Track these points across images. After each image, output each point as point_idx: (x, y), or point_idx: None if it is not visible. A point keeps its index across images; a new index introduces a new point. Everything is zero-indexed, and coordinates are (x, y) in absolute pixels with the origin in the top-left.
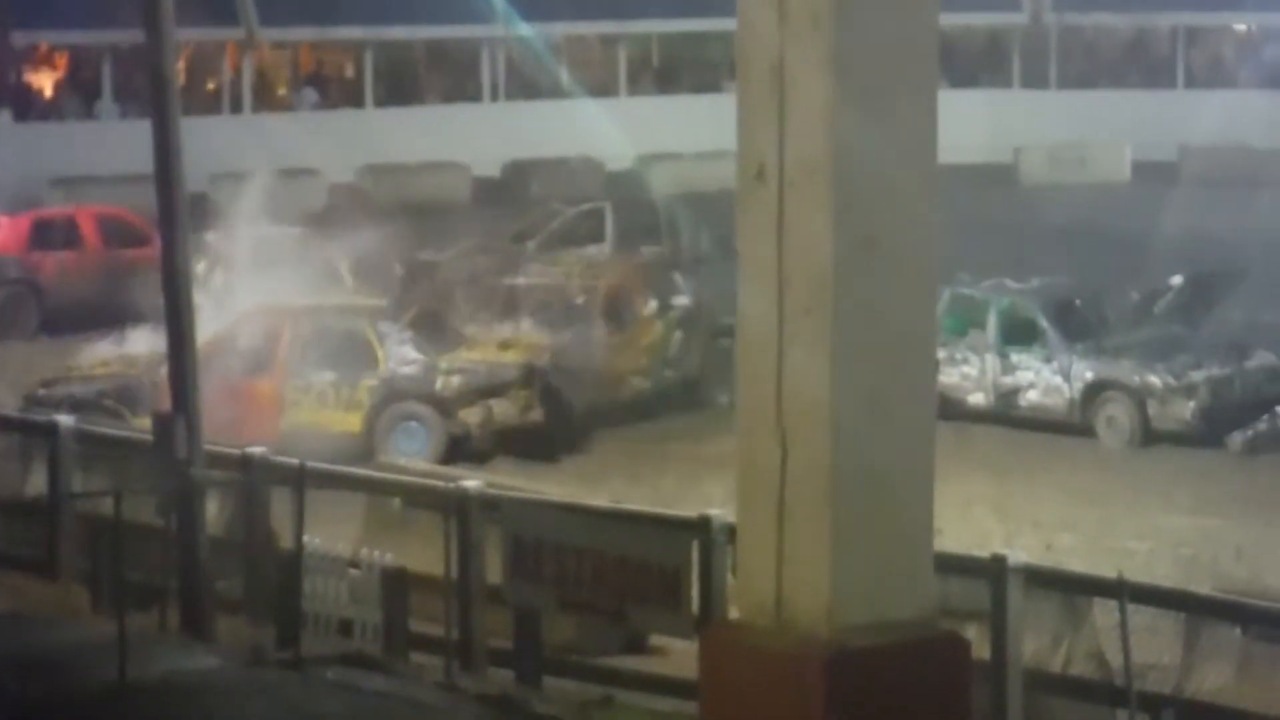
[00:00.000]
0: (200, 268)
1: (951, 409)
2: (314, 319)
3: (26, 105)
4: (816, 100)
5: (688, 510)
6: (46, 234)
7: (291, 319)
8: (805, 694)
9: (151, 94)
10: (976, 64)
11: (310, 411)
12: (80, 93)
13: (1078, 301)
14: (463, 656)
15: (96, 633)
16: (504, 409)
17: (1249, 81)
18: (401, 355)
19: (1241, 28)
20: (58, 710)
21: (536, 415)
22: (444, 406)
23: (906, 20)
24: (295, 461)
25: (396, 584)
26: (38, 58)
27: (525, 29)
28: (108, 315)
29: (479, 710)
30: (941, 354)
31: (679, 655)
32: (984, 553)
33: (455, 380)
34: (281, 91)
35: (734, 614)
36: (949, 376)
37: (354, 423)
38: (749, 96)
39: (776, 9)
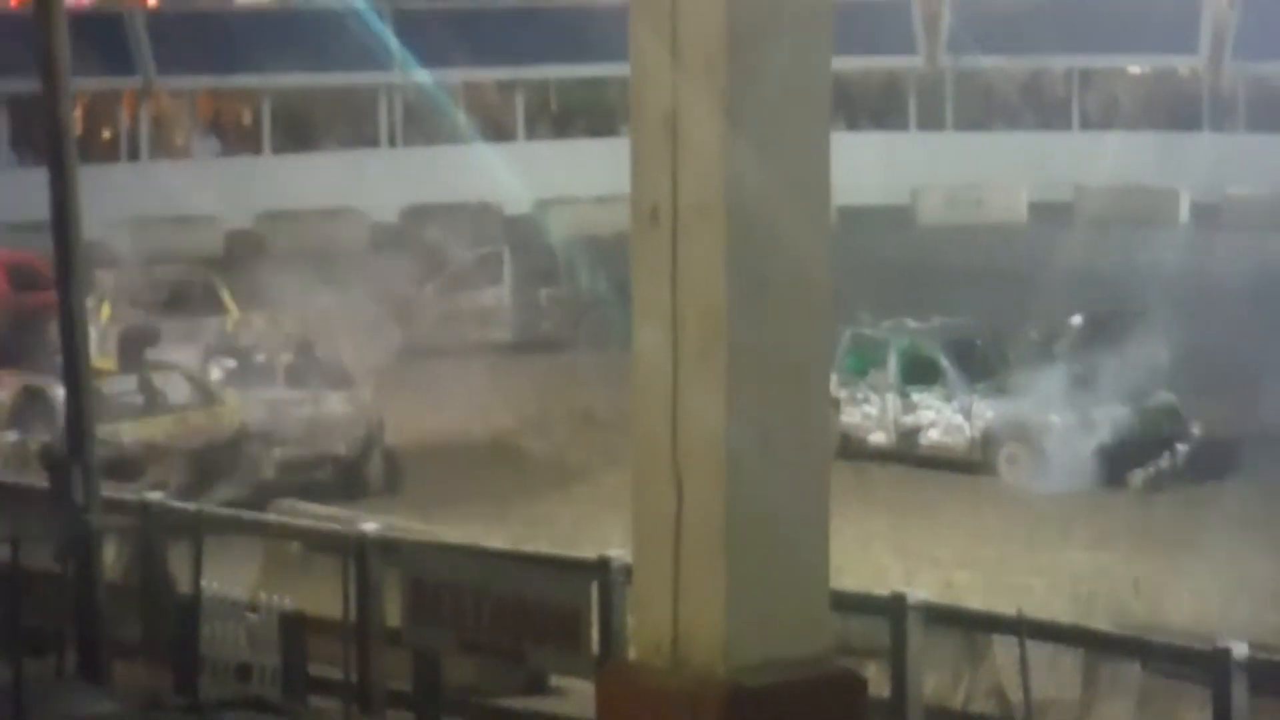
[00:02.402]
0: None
1: (853, 448)
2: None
3: None
4: (709, 143)
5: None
6: None
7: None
8: None
9: (49, 142)
10: (873, 106)
11: None
12: None
13: (978, 341)
14: (362, 700)
15: None
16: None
17: (1143, 122)
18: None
19: (1135, 69)
20: None
21: None
22: None
23: (800, 63)
24: (192, 507)
25: (295, 628)
26: None
27: (422, 75)
28: (12, 358)
29: None
30: (842, 393)
31: (579, 695)
32: (883, 590)
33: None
34: (179, 139)
35: (632, 654)
36: (850, 416)
37: None
38: (642, 139)
39: (670, 52)
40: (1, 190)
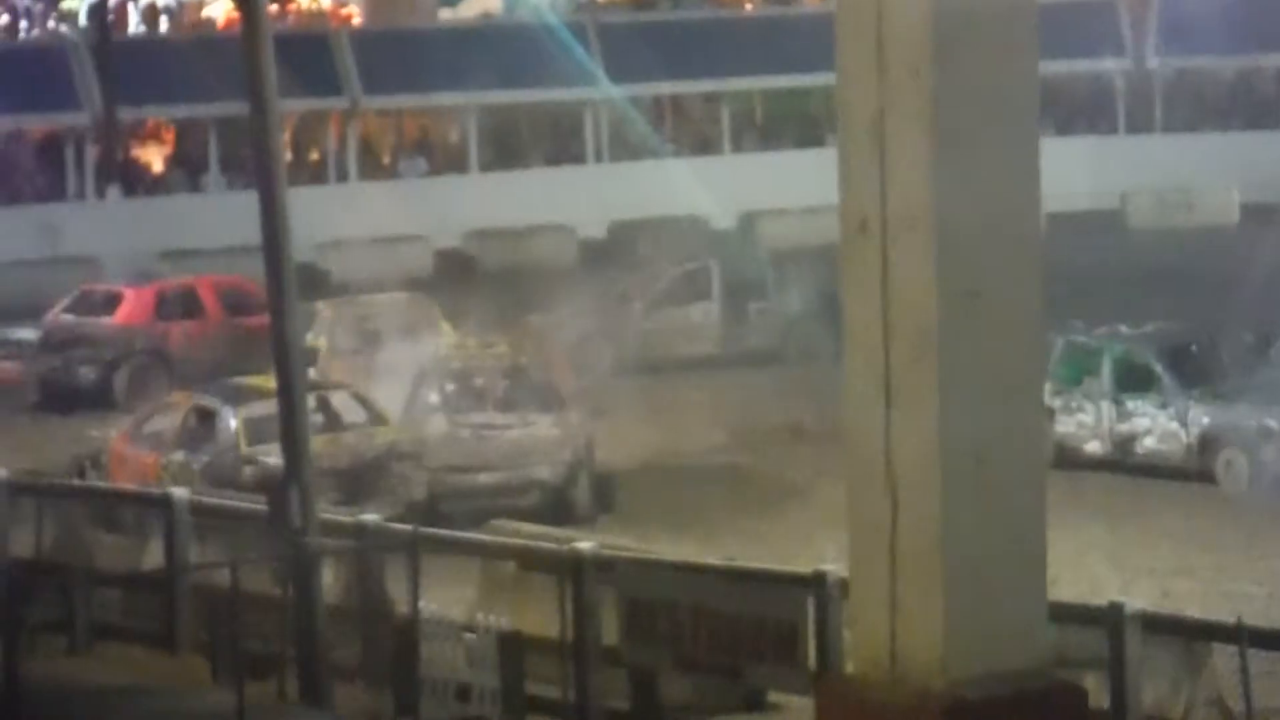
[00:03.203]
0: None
1: (1067, 457)
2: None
3: (135, 180)
4: (917, 152)
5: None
6: (170, 305)
7: None
8: None
9: (257, 166)
10: (1080, 110)
11: None
12: (187, 166)
13: (1193, 346)
14: (580, 718)
15: (217, 703)
16: None
17: None
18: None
19: None
20: None
21: None
22: None
23: (1007, 69)
24: (409, 528)
25: (512, 647)
26: (145, 133)
27: (627, 90)
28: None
29: None
30: (1056, 402)
31: (797, 712)
32: (1100, 600)
33: None
34: (386, 159)
35: (850, 668)
36: (1064, 425)
37: None
38: (850, 150)
39: (875, 62)
40: (212, 214)
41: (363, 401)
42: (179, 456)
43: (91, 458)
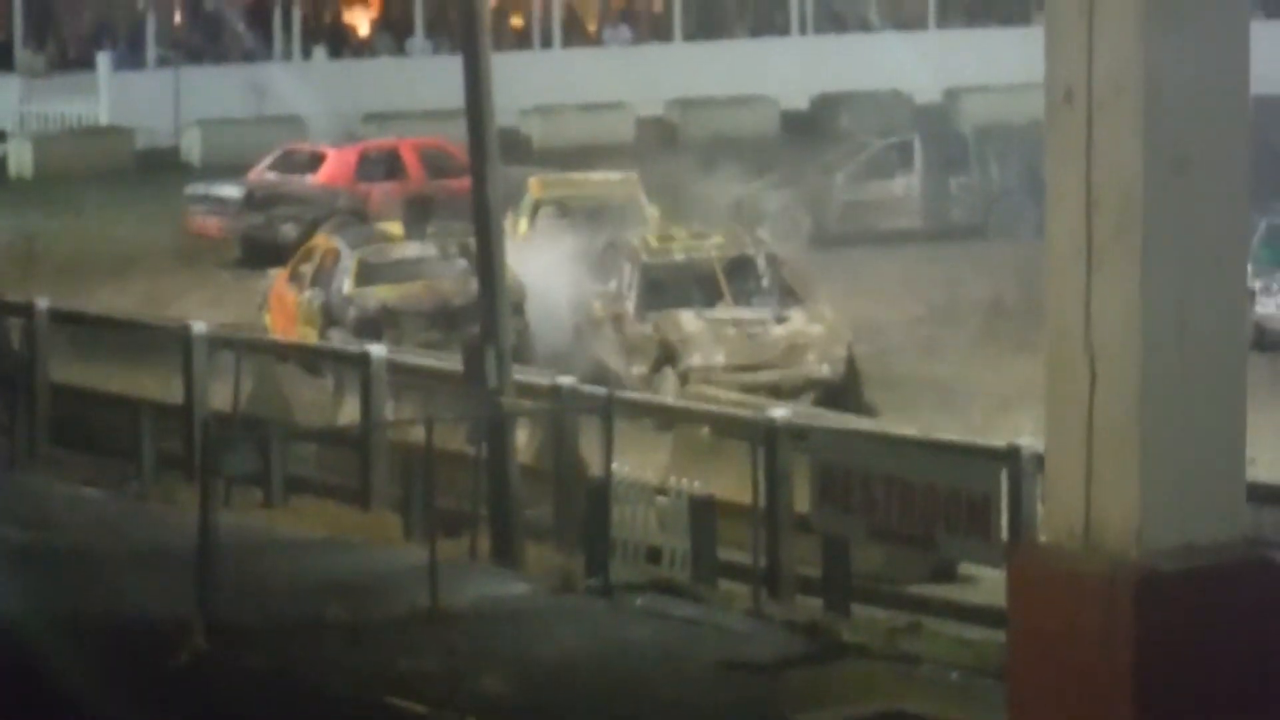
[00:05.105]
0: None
1: (1268, 339)
2: None
3: (341, 42)
4: (1126, 20)
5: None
6: (372, 166)
7: None
8: (1115, 617)
9: (462, 30)
10: None
11: None
12: (393, 30)
13: None
14: (771, 585)
15: (409, 559)
16: None
17: None
18: None
19: None
20: (373, 633)
21: None
22: None
23: None
24: (603, 391)
25: (704, 512)
26: None
27: None
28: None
29: (788, 637)
30: (1257, 284)
31: (988, 584)
32: None
33: None
34: (590, 26)
35: (1043, 538)
36: (1265, 307)
37: None
38: (1057, 18)
39: None
40: (416, 77)
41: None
42: (308, 295)
43: (263, 298)
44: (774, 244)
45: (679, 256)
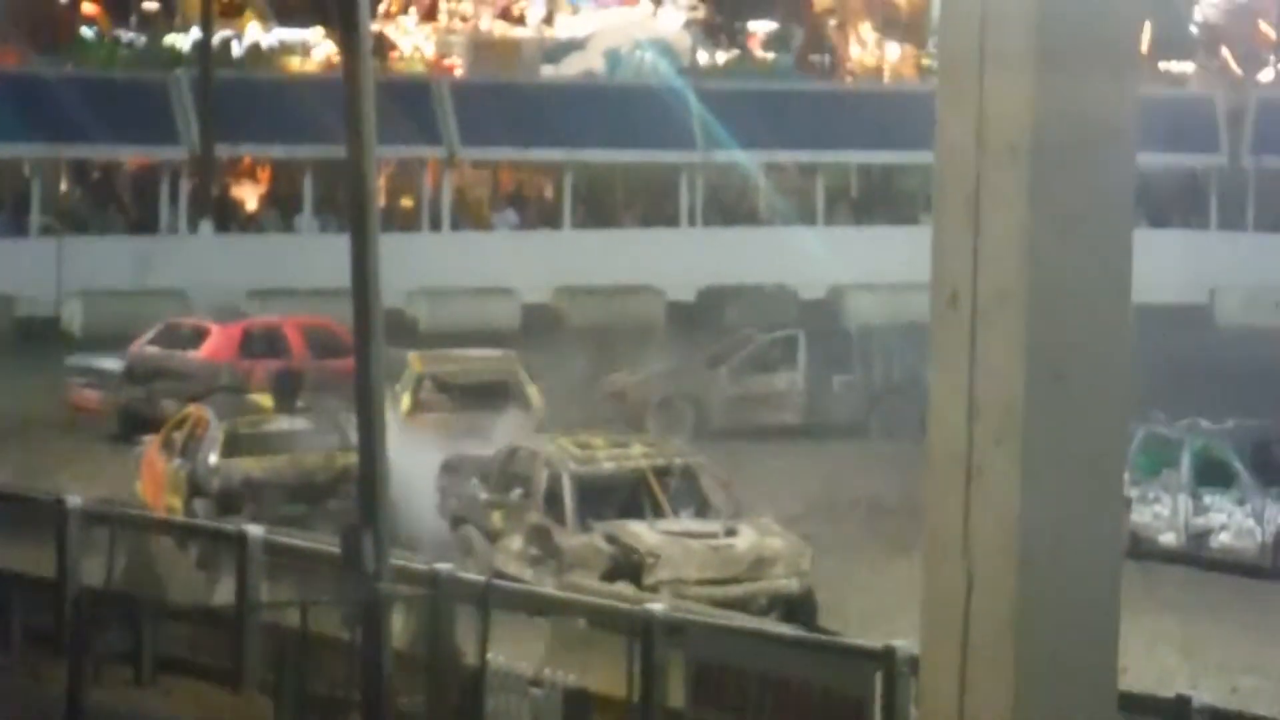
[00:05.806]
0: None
1: (1142, 548)
2: None
3: (228, 217)
4: (1012, 228)
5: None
6: (255, 343)
7: None
8: None
9: (352, 208)
10: (1173, 204)
11: None
12: (281, 206)
13: (1273, 444)
14: None
15: None
16: None
17: None
18: None
19: None
20: None
21: None
22: None
23: (1105, 155)
24: (481, 579)
25: (579, 705)
26: (240, 171)
27: (724, 155)
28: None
29: None
30: (1134, 493)
31: None
32: (1168, 693)
33: None
34: (480, 210)
35: None
36: (1141, 515)
37: None
38: (945, 222)
39: (975, 137)
40: (303, 255)
41: (342, 427)
42: (176, 464)
43: (136, 463)
44: (692, 453)
45: (608, 465)
